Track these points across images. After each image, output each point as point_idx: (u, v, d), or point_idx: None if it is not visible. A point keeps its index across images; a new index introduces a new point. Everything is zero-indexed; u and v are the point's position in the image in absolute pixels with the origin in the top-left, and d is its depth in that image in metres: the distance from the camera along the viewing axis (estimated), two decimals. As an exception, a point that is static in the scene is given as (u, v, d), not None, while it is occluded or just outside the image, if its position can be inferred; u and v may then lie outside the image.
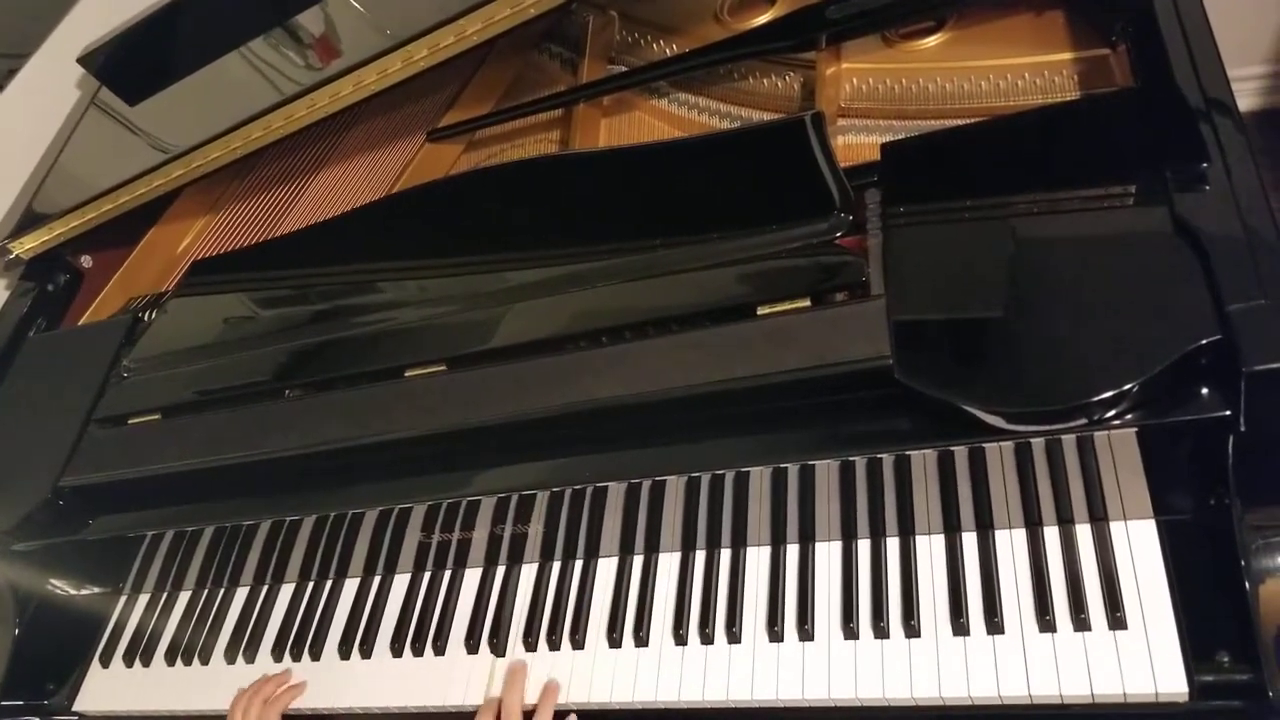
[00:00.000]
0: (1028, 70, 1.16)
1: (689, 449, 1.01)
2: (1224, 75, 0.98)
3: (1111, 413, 0.83)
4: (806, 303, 0.97)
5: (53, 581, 1.43)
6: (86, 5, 1.83)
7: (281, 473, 1.19)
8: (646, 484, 1.13)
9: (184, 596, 1.43)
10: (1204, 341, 0.80)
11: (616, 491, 1.14)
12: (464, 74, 1.48)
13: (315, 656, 1.28)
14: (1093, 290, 0.86)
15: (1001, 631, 0.98)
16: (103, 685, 1.41)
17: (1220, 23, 1.03)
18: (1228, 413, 0.81)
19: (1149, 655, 0.91)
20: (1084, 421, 0.84)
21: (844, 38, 1.26)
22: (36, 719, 1.41)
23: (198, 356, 1.28)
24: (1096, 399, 0.81)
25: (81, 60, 1.59)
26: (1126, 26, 1.09)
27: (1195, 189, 0.89)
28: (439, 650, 1.21)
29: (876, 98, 1.24)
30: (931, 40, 1.24)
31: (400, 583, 1.29)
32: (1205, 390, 0.83)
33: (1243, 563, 0.87)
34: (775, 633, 1.06)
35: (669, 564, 1.16)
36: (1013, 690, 0.95)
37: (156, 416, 1.27)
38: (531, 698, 1.13)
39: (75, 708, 1.40)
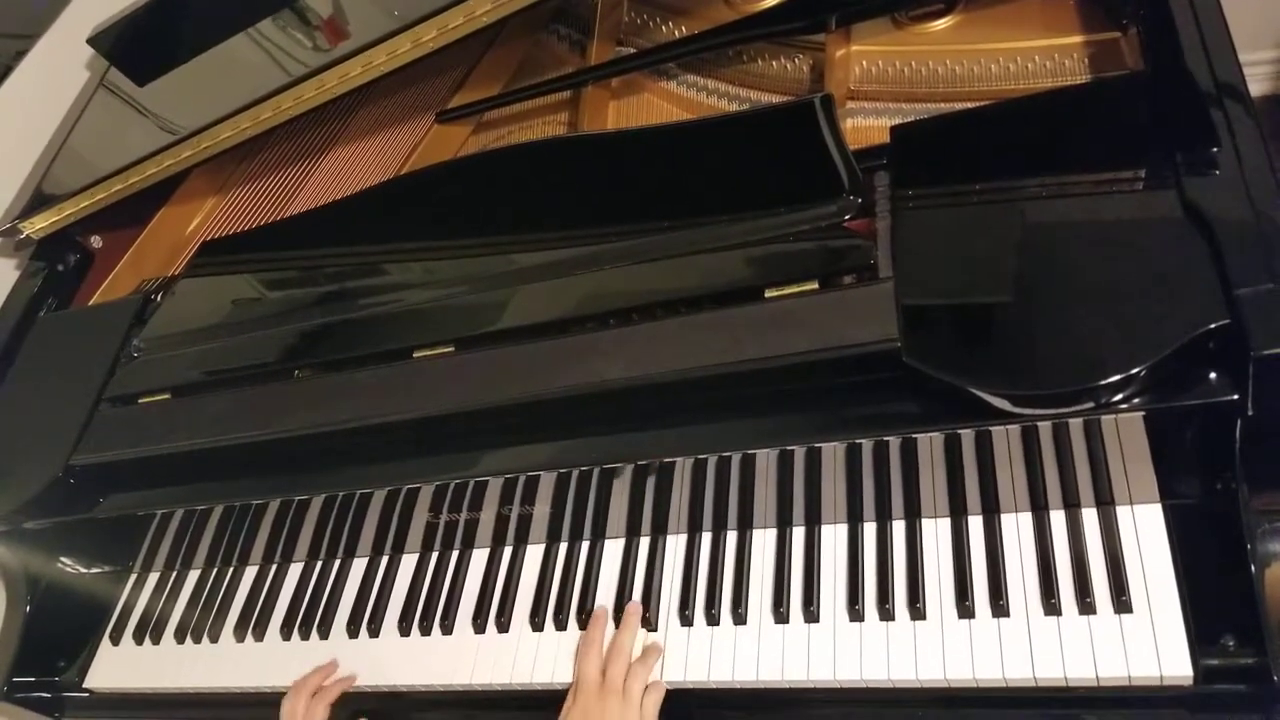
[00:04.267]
0: (1038, 53, 1.15)
1: (696, 431, 1.01)
2: (1235, 59, 0.97)
3: (1119, 396, 0.83)
4: (814, 285, 0.97)
5: (63, 560, 1.45)
6: (95, -14, 1.82)
7: (290, 452, 1.19)
8: (653, 466, 1.13)
9: (193, 575, 1.44)
10: (1212, 326, 0.80)
11: (623, 473, 1.15)
12: (473, 55, 1.48)
13: (323, 635, 1.29)
14: (1101, 274, 0.86)
15: (1007, 614, 0.98)
16: (113, 663, 1.42)
17: (1232, 6, 1.02)
18: (1235, 397, 0.81)
19: (1154, 639, 0.92)
20: (1091, 405, 0.84)
21: (854, 20, 1.26)
22: (48, 695, 1.42)
23: (207, 336, 1.29)
24: (1104, 382, 0.81)
25: (91, 41, 1.59)
26: (1138, 9, 1.08)
27: (1205, 173, 0.89)
28: (446, 630, 1.22)
29: (886, 80, 1.23)
30: (941, 23, 1.24)
31: (408, 562, 1.30)
32: (1213, 374, 0.82)
33: (1248, 547, 0.87)
34: (780, 615, 1.07)
35: (675, 546, 1.16)
36: (1017, 673, 0.95)
37: (167, 396, 1.27)
38: (542, 677, 1.14)
39: (86, 685, 1.41)
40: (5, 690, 1.40)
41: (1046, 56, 1.14)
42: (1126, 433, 0.95)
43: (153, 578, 1.47)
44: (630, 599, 1.15)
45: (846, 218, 0.99)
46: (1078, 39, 1.14)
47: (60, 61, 1.77)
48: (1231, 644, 0.89)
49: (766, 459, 1.10)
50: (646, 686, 1.08)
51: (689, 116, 1.33)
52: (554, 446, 1.07)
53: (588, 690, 1.08)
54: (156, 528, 1.44)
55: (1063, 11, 1.17)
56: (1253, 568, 0.87)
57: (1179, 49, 0.99)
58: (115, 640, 1.43)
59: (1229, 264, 0.82)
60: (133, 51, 1.58)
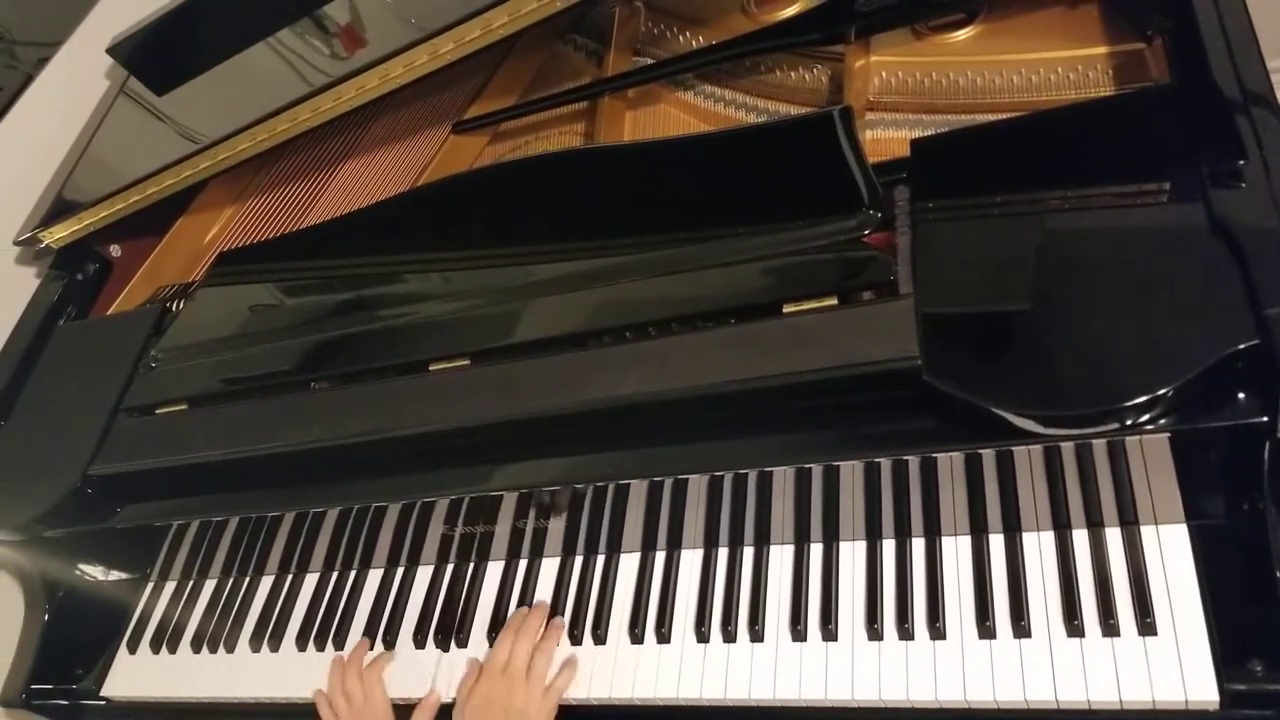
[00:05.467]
0: (1061, 65, 1.14)
1: (713, 447, 1.00)
2: (1264, 69, 0.95)
3: (1145, 417, 0.81)
4: (833, 301, 0.96)
5: (81, 568, 1.45)
6: (116, -6, 1.83)
7: (306, 465, 1.19)
8: (669, 481, 1.12)
9: (209, 585, 1.44)
10: (1241, 346, 0.78)
11: (639, 488, 1.14)
12: (490, 66, 1.47)
13: (339, 646, 1.29)
14: (1126, 292, 0.84)
15: (1028, 635, 0.97)
16: (130, 671, 1.42)
17: (1260, 14, 1.00)
18: (1264, 419, 0.80)
19: (1179, 662, 0.90)
20: (1116, 426, 0.82)
21: (873, 30, 1.25)
22: (66, 703, 1.43)
23: (224, 347, 1.29)
24: (1130, 403, 0.79)
25: (111, 50, 1.60)
26: (1163, 20, 1.06)
27: (1232, 187, 0.87)
28: (461, 643, 1.22)
29: (906, 91, 1.22)
30: (962, 33, 1.22)
31: (423, 575, 1.30)
32: (1241, 395, 0.81)
33: (1277, 571, 0.85)
34: (798, 632, 1.05)
35: (691, 561, 1.15)
36: (1039, 695, 0.94)
37: (184, 406, 1.27)
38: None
39: (103, 693, 1.42)
40: (24, 698, 1.41)
41: (1069, 68, 1.13)
42: (1151, 452, 0.93)
43: (169, 586, 1.47)
44: (645, 614, 1.14)
45: (866, 232, 0.98)
46: (1101, 50, 1.13)
47: (81, 70, 1.78)
48: (1259, 669, 0.87)
49: (784, 475, 1.09)
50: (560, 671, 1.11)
51: (706, 128, 1.32)
52: (569, 461, 1.07)
53: (493, 670, 1.11)
54: (173, 537, 1.45)
55: (1086, 22, 1.15)
56: (1281, 593, 0.85)
57: (1204, 58, 0.97)
58: (132, 649, 1.43)
59: (1257, 281, 0.80)
60: (152, 60, 1.59)
